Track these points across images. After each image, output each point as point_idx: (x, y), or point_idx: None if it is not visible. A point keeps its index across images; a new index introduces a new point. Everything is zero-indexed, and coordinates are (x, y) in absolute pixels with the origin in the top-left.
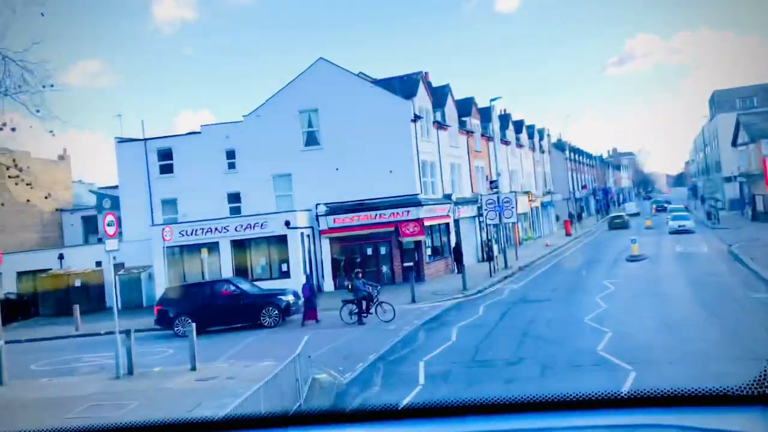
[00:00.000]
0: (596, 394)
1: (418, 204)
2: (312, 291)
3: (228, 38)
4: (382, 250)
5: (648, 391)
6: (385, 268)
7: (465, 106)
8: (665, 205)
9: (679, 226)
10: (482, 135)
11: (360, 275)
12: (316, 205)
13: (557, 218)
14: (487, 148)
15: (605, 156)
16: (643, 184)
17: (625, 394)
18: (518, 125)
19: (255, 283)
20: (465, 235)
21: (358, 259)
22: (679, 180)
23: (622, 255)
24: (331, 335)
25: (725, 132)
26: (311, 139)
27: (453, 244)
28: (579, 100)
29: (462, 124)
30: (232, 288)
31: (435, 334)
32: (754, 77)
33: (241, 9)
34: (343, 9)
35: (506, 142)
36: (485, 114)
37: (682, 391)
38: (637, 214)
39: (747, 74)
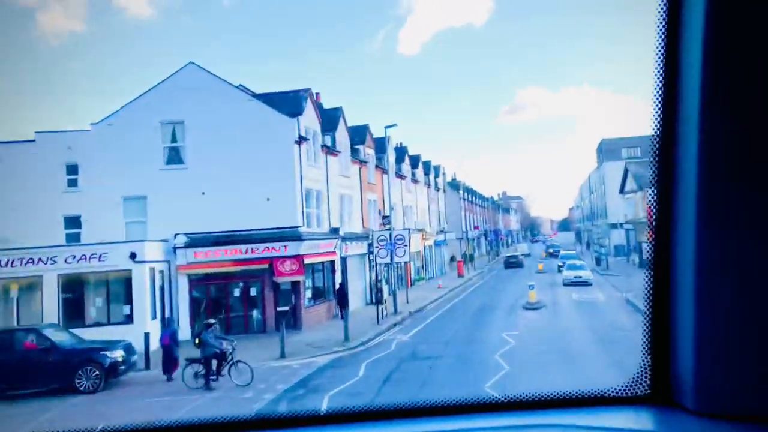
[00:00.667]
0: (494, 398)
1: (298, 238)
2: (173, 339)
3: (121, 52)
4: (253, 291)
5: (540, 395)
6: (255, 313)
7: (359, 133)
8: (557, 251)
9: (575, 278)
10: (377, 166)
11: (211, 326)
12: (175, 235)
13: (452, 258)
14: (382, 181)
15: (496, 198)
16: (531, 227)
17: (519, 397)
18: (414, 160)
19: (89, 329)
20: (353, 275)
21: (224, 301)
22: (564, 225)
23: (518, 301)
24: (166, 405)
25: (612, 179)
26: (174, 157)
27: (338, 285)
28: (473, 144)
29: (355, 153)
30: (39, 339)
31: (299, 405)
32: (634, 131)
33: (135, 22)
34: (250, 41)
35: (401, 176)
36: (381, 145)
37: (571, 393)
38: (528, 255)
39: (627, 128)
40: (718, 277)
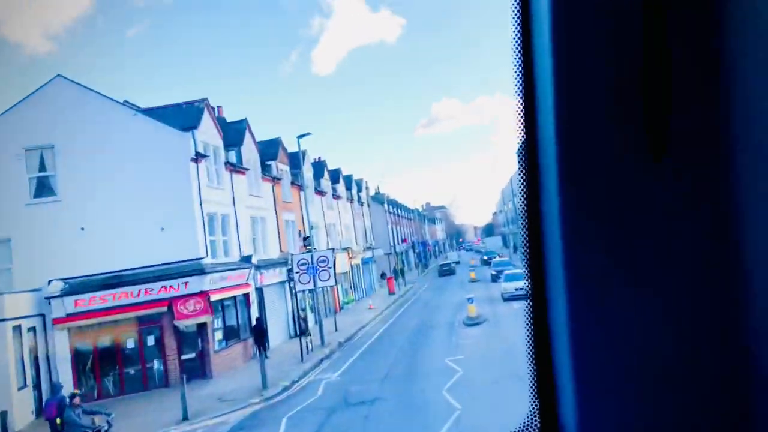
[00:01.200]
0: None
1: (200, 272)
2: (60, 409)
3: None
4: (150, 340)
5: None
6: (156, 365)
7: (270, 148)
8: (491, 258)
9: (517, 290)
10: (293, 183)
11: (74, 400)
12: (49, 281)
13: (382, 275)
14: (300, 199)
15: (421, 210)
16: (456, 235)
17: None
18: (335, 175)
19: None
20: (272, 307)
21: (115, 355)
22: (488, 230)
23: (456, 316)
24: None
25: None
26: (44, 188)
27: (254, 320)
28: (394, 159)
29: (266, 169)
30: None
31: None
32: None
33: (32, 57)
34: (155, 71)
35: (321, 192)
36: (295, 160)
37: None
38: (457, 263)
39: None
40: (588, 313)
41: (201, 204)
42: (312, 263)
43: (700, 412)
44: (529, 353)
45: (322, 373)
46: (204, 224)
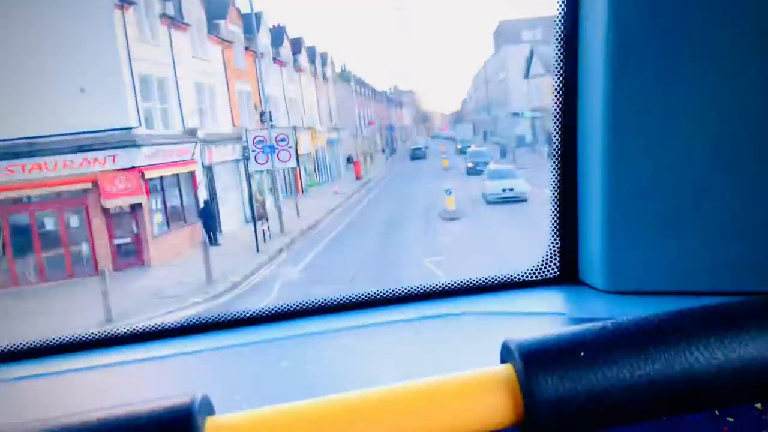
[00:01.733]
0: (400, 290)
1: (132, 144)
2: None
3: None
4: (74, 221)
5: (447, 283)
6: (83, 249)
7: (218, 6)
8: (463, 148)
9: (506, 191)
10: (247, 49)
11: None
12: None
13: (349, 159)
14: (255, 68)
15: (388, 93)
16: (423, 121)
17: (425, 288)
18: (296, 44)
19: None
20: (224, 188)
21: (30, 238)
22: (457, 118)
23: (431, 208)
24: None
25: (513, 64)
26: None
27: (202, 202)
28: (363, 37)
29: (214, 29)
30: None
31: None
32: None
33: None
34: None
35: (281, 63)
36: (250, 24)
37: (479, 280)
38: (426, 148)
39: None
40: (625, 153)
41: (130, 62)
42: (270, 142)
43: (734, 255)
44: (552, 195)
45: (278, 267)
46: (135, 87)
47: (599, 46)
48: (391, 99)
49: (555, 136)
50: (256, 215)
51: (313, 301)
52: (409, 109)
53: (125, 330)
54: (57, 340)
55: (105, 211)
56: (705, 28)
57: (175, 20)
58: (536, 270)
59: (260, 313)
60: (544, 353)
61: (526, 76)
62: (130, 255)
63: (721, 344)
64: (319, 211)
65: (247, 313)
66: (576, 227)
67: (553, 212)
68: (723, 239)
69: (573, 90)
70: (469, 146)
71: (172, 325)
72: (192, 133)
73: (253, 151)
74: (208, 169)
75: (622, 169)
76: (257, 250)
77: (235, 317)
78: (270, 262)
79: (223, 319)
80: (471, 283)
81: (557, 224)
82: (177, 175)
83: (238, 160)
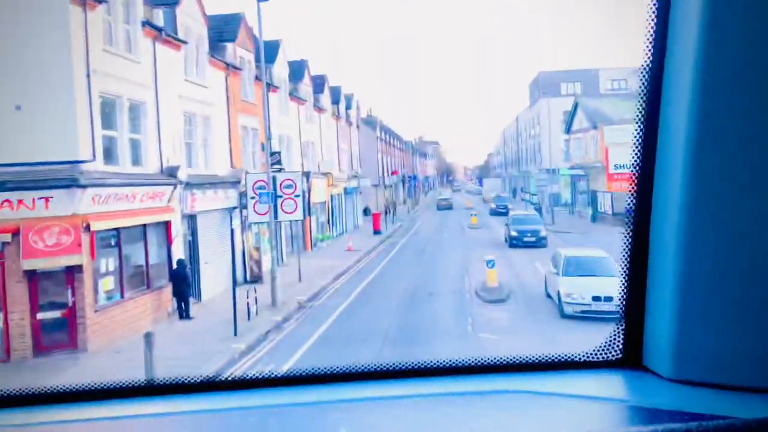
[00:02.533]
0: (457, 362)
1: (73, 183)
2: None
3: None
4: None
5: (506, 359)
6: None
7: (229, 25)
8: (503, 207)
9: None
10: (258, 79)
11: None
12: None
13: (365, 211)
14: (265, 102)
15: (414, 143)
16: (446, 173)
17: (484, 361)
18: (319, 82)
19: None
20: (210, 243)
21: None
22: (482, 172)
23: (465, 282)
24: None
25: (549, 118)
26: None
27: (175, 262)
28: (391, 82)
29: (218, 51)
30: None
31: None
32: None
33: None
34: None
35: (299, 100)
36: (268, 52)
37: (540, 358)
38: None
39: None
40: (702, 235)
41: (88, 76)
42: (273, 188)
43: None
44: (622, 274)
45: (257, 363)
46: (91, 109)
47: (682, 113)
48: (416, 149)
49: (629, 208)
50: (249, 276)
51: (336, 368)
52: (432, 161)
53: (124, 384)
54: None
55: (28, 273)
56: None
57: (165, 33)
58: (598, 351)
59: (285, 375)
60: None
61: (567, 130)
62: (59, 334)
63: None
64: (326, 275)
65: (264, 375)
66: (644, 307)
67: (622, 290)
68: None
69: (651, 156)
70: (506, 205)
71: (186, 381)
72: (171, 172)
73: (252, 198)
74: (191, 219)
75: (699, 248)
76: (235, 332)
77: (254, 378)
78: (246, 355)
79: (237, 379)
80: (525, 359)
81: (624, 303)
82: (144, 226)
83: (231, 209)
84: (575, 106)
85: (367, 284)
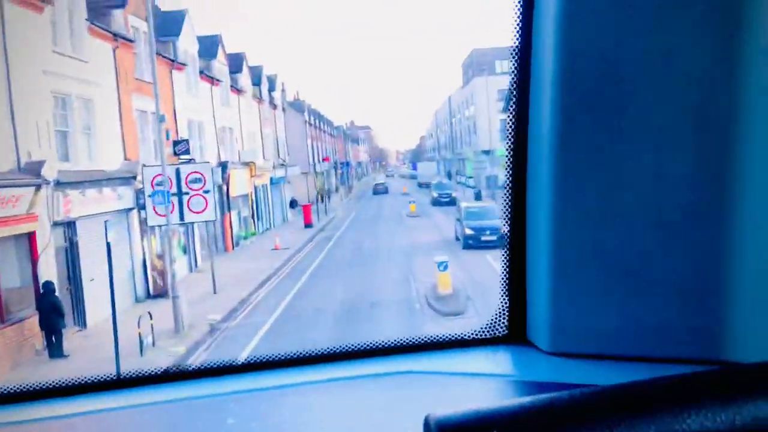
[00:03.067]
0: (347, 346)
1: None
2: None
3: None
4: None
5: (395, 341)
6: None
7: None
8: (442, 195)
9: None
10: (161, 55)
11: None
12: None
13: (292, 203)
14: (170, 79)
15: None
16: (379, 158)
17: (373, 345)
18: (236, 61)
19: None
20: (98, 255)
21: None
22: (414, 155)
23: (412, 282)
24: None
25: (485, 97)
26: None
27: (41, 285)
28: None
29: (100, 17)
30: None
31: None
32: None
33: None
34: None
35: (213, 79)
36: (166, 21)
37: (429, 338)
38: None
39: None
40: (571, 219)
41: None
42: (177, 183)
43: (674, 322)
44: (504, 254)
45: None
46: None
47: (548, 100)
48: (347, 134)
49: (506, 195)
50: (153, 290)
51: (253, 358)
52: (365, 146)
53: (90, 379)
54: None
55: None
56: (644, 107)
57: None
58: (485, 328)
59: (204, 367)
60: None
61: (506, 108)
62: None
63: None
64: (248, 283)
65: (194, 367)
66: (525, 285)
67: (504, 270)
68: (665, 306)
69: (524, 138)
70: (449, 193)
71: (132, 375)
72: (33, 169)
73: (150, 196)
74: (68, 227)
75: (569, 230)
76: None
77: (189, 369)
78: None
79: (202, 367)
80: (419, 340)
81: (507, 282)
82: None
83: (126, 210)
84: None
85: (297, 293)
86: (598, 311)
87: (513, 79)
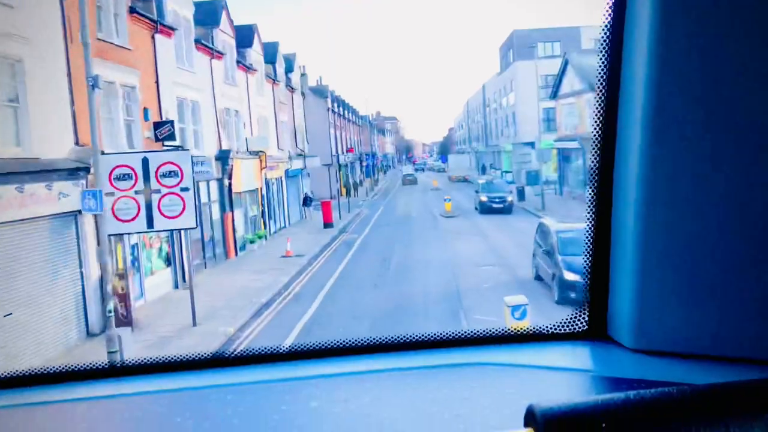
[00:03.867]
0: (423, 336)
1: None
2: None
3: None
4: None
5: (474, 332)
6: None
7: None
8: (494, 199)
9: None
10: (136, 11)
11: None
12: None
13: (306, 200)
14: (152, 45)
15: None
16: (405, 150)
17: (451, 335)
18: (245, 34)
19: None
20: (30, 276)
21: None
22: (445, 148)
23: (457, 313)
24: None
25: (527, 83)
26: None
27: None
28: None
29: None
30: None
31: None
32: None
33: None
34: None
35: (214, 52)
36: None
37: (507, 331)
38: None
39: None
40: (660, 212)
41: None
42: (145, 176)
43: (764, 324)
44: (586, 249)
45: None
46: None
47: (640, 83)
48: (373, 125)
49: (590, 185)
50: (115, 322)
51: (319, 344)
52: (391, 137)
53: (134, 362)
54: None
55: None
56: (745, 103)
57: None
58: (565, 323)
59: (269, 352)
60: (568, 425)
61: (554, 95)
62: None
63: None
64: (243, 309)
65: (255, 351)
66: (607, 281)
67: (586, 264)
68: (755, 309)
69: (612, 126)
70: (504, 197)
71: (181, 359)
72: None
73: (108, 194)
74: None
75: (657, 224)
76: None
77: (244, 354)
78: None
79: (215, 356)
80: (496, 332)
81: (589, 277)
82: None
83: (75, 214)
84: (564, 65)
85: (304, 327)
86: (684, 309)
87: (603, 62)
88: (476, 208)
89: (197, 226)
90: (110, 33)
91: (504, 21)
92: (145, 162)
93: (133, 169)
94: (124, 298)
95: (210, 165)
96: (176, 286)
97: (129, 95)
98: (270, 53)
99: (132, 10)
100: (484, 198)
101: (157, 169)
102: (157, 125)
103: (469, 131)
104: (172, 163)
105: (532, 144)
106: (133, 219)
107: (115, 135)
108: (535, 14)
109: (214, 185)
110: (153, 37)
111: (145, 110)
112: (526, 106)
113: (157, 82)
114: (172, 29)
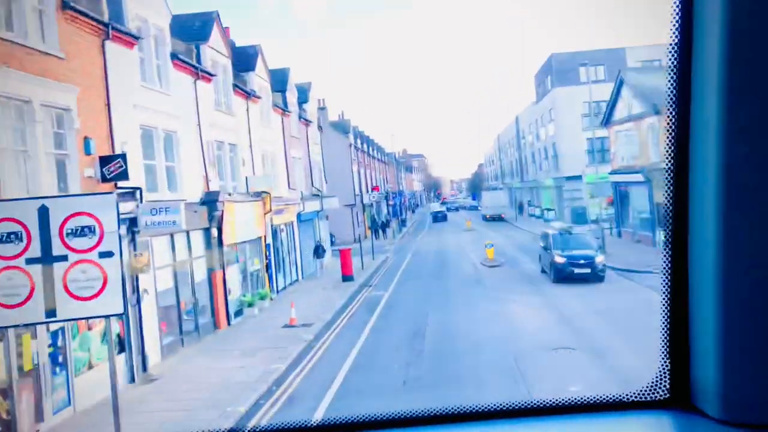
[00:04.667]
0: (507, 404)
1: None
2: None
3: None
4: None
5: (555, 401)
6: None
7: None
8: (587, 262)
9: None
10: (106, 26)
11: None
12: None
13: (317, 250)
14: (102, 54)
15: (397, 156)
16: (433, 187)
17: (534, 403)
18: (245, 54)
19: None
20: None
21: None
22: (474, 185)
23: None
24: None
25: (568, 111)
26: None
27: None
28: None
29: None
30: None
31: None
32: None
33: None
34: None
35: (196, 70)
36: None
37: (588, 398)
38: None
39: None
40: (745, 268)
41: None
42: (39, 237)
43: None
44: (663, 309)
45: None
46: None
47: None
48: (400, 162)
49: (665, 229)
50: None
51: (408, 413)
52: (418, 175)
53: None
54: None
55: None
56: None
57: None
58: (645, 390)
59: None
60: None
61: (606, 121)
62: None
63: None
64: (210, 424)
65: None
66: (688, 345)
67: (663, 326)
68: None
69: (684, 169)
70: (591, 258)
71: None
72: None
73: None
74: None
75: (741, 276)
76: None
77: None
78: None
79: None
80: (569, 401)
81: (668, 341)
82: None
83: None
84: (618, 86)
85: None
86: None
87: (671, 84)
88: (544, 271)
89: (124, 311)
90: (26, 33)
91: (536, 48)
92: (43, 213)
93: (23, 225)
94: (8, 424)
95: (177, 212)
96: (132, 380)
97: (60, 120)
98: (279, 80)
99: (66, 6)
100: (560, 259)
101: (63, 223)
102: (105, 160)
103: (501, 166)
104: (87, 214)
105: (578, 178)
106: (22, 303)
107: (31, 174)
108: (568, 39)
109: (198, 236)
110: (102, 45)
111: (86, 140)
112: (568, 136)
113: (108, 104)
114: (135, 38)
